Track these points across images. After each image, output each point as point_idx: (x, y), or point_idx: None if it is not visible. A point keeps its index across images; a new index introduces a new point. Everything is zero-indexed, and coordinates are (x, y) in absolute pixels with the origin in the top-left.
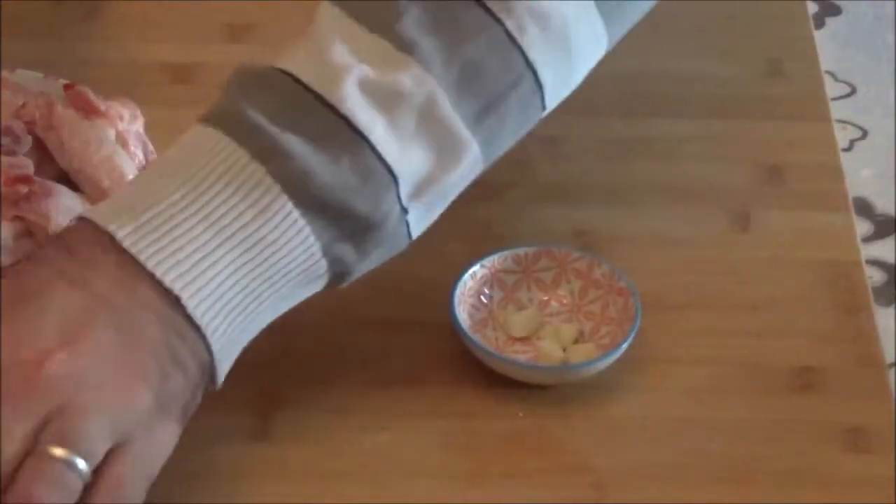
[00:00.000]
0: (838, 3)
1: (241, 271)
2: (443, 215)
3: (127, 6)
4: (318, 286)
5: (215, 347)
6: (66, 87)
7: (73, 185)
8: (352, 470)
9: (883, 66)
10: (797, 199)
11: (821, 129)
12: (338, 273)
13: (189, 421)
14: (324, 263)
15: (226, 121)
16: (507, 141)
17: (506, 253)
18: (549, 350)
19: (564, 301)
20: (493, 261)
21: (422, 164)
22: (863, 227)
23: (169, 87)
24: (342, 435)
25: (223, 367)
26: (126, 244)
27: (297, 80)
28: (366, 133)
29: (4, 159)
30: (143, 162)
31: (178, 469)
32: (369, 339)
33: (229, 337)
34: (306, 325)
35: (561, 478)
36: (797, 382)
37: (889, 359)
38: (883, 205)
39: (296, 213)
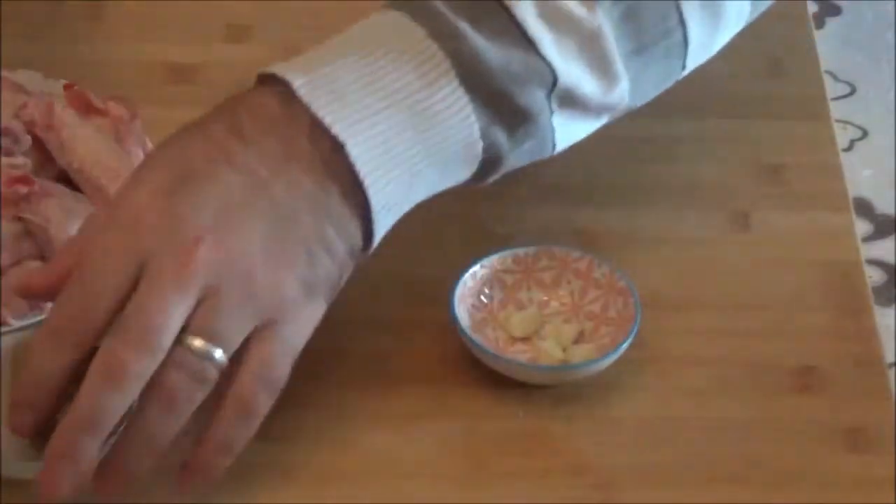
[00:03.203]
0: (838, 3)
1: (405, 133)
2: (443, 215)
3: (127, 6)
4: (471, 170)
5: (375, 202)
6: (66, 87)
7: (73, 185)
8: (352, 470)
9: (883, 66)
10: (797, 199)
11: (821, 129)
12: (489, 160)
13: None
14: (480, 145)
15: (407, 5)
16: (647, 89)
17: (506, 253)
18: (549, 350)
19: (564, 301)
20: (492, 261)
21: (579, 79)
22: (863, 227)
23: (169, 87)
24: (342, 435)
25: (380, 229)
26: (300, 93)
27: None
28: (534, 39)
29: (4, 159)
30: None
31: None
32: (369, 339)
33: (389, 196)
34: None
35: (561, 478)
36: (797, 382)
37: (889, 359)
38: (883, 205)
39: (461, 91)
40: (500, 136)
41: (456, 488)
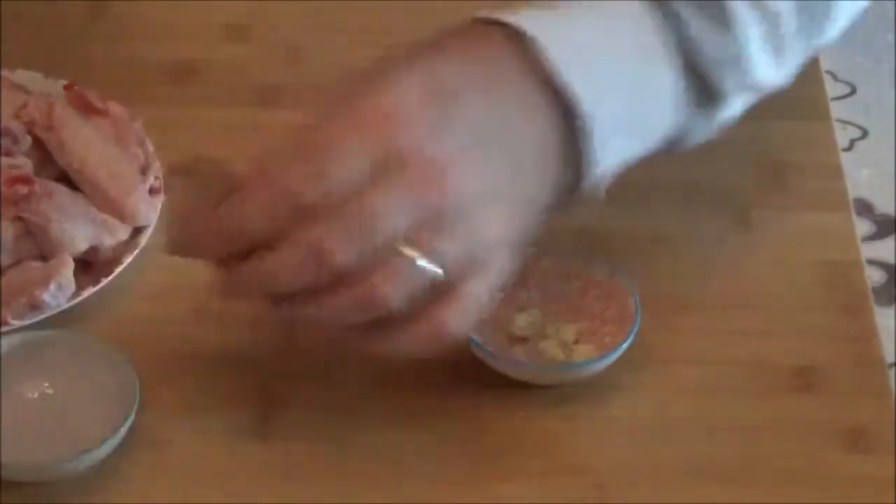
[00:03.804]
0: None
1: (629, 76)
2: None
3: (127, 6)
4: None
5: (590, 177)
6: (66, 87)
7: (73, 185)
8: (352, 470)
9: (883, 66)
10: (797, 199)
11: (821, 129)
12: (671, 140)
13: (186, 421)
14: (674, 126)
15: None
16: (794, 71)
17: None
18: (550, 350)
19: (564, 301)
20: None
21: (766, 65)
22: (863, 227)
23: (169, 87)
24: (342, 435)
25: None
26: (545, 56)
27: None
28: (739, 24)
29: (4, 159)
30: (144, 162)
31: (178, 469)
32: None
33: (602, 172)
34: (306, 325)
35: (561, 478)
36: (797, 382)
37: (889, 359)
38: (883, 205)
39: (674, 72)
40: (690, 118)
41: (456, 488)
